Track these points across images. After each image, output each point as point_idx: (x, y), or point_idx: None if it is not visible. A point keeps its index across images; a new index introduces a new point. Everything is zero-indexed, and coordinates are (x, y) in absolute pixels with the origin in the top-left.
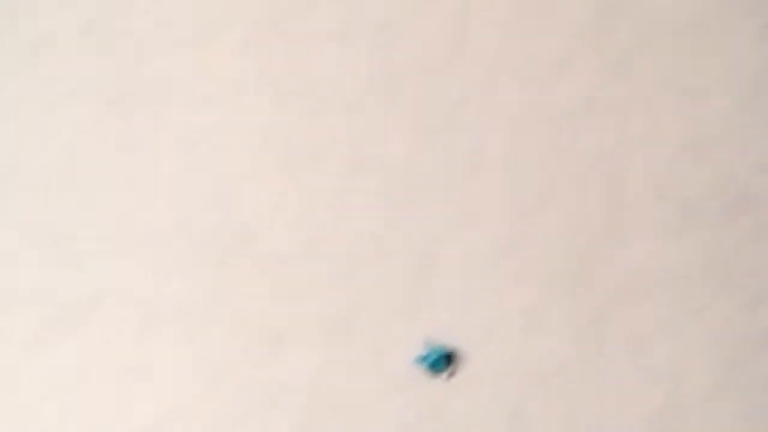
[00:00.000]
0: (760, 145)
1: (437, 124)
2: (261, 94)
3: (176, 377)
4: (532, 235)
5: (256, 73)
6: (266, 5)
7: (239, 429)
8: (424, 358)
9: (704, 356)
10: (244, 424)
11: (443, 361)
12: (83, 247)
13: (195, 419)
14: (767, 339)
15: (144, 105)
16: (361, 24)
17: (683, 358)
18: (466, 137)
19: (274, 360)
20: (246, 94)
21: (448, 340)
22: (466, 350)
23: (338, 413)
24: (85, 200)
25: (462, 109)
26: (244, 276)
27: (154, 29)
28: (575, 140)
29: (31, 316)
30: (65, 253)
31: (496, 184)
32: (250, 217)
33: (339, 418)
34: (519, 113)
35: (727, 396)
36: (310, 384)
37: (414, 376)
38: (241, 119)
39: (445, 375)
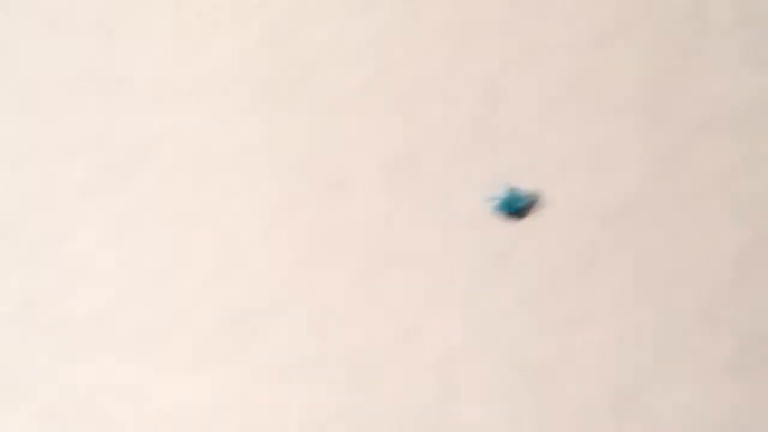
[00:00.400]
0: None
1: None
2: None
3: (235, 222)
4: (605, 65)
5: None
6: None
7: (301, 273)
8: (500, 201)
9: None
10: (306, 268)
11: (520, 203)
12: (141, 91)
13: (255, 264)
14: None
15: None
16: None
17: None
18: None
19: (337, 203)
20: None
21: (517, 179)
22: (536, 190)
23: (402, 257)
24: (141, 45)
25: None
26: (305, 115)
27: None
28: None
29: (87, 162)
30: (122, 97)
31: (568, 10)
32: (312, 55)
33: (403, 262)
34: None
35: None
36: (374, 226)
37: (482, 217)
38: None
39: (518, 217)
